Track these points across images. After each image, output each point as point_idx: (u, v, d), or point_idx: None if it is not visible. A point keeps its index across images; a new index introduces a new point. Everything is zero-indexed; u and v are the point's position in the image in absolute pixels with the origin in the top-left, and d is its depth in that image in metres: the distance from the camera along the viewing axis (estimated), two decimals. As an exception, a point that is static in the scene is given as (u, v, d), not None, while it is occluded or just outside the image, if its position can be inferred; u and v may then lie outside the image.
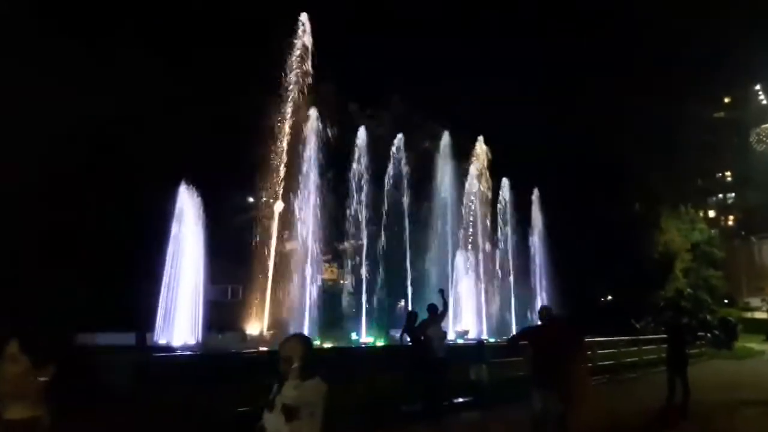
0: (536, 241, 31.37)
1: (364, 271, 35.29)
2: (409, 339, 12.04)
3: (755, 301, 62.71)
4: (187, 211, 18.82)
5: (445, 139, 29.09)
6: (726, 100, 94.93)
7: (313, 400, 3.96)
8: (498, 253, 28.10)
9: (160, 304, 17.64)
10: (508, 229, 29.96)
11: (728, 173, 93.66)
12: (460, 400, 12.38)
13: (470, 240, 26.64)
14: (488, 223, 27.71)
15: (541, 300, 28.26)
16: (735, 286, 57.52)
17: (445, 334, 12.43)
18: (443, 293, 12.05)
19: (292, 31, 22.67)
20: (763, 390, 16.58)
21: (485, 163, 28.15)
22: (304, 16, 22.47)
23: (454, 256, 25.70)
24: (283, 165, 21.66)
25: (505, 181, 29.92)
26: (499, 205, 29.48)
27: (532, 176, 32.77)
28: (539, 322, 8.85)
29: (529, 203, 31.34)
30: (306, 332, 20.86)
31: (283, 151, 21.82)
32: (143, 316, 18.04)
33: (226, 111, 27.09)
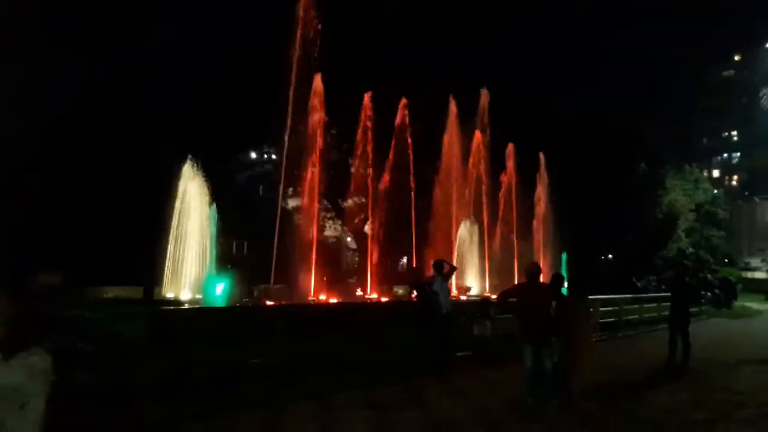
0: (540, 199, 31.39)
1: (367, 228, 35.51)
2: (415, 294, 12.18)
3: (756, 261, 63.07)
4: (193, 168, 18.84)
5: (451, 104, 28.83)
6: (736, 58, 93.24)
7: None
8: (501, 212, 28.13)
9: (167, 259, 17.82)
10: (513, 189, 29.93)
11: (734, 133, 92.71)
12: (465, 354, 12.60)
13: (474, 199, 26.63)
14: (491, 182, 27.64)
15: (542, 258, 28.47)
16: (736, 246, 57.77)
17: (449, 288, 12.59)
18: (441, 264, 12.12)
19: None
20: (761, 348, 16.84)
21: (487, 114, 27.84)
22: None
23: (458, 214, 25.74)
24: (288, 122, 21.48)
25: (510, 148, 29.71)
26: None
27: (539, 135, 32.54)
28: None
29: (536, 165, 31.18)
30: (311, 288, 21.15)
31: (288, 109, 21.62)
32: (150, 270, 18.24)
33: (234, 67, 26.78)
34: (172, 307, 14.10)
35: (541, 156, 30.45)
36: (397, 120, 28.75)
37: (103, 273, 17.96)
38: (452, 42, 36.64)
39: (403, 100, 27.80)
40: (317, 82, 22.51)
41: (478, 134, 27.46)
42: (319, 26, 22.45)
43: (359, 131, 28.60)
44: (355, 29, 29.62)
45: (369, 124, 27.64)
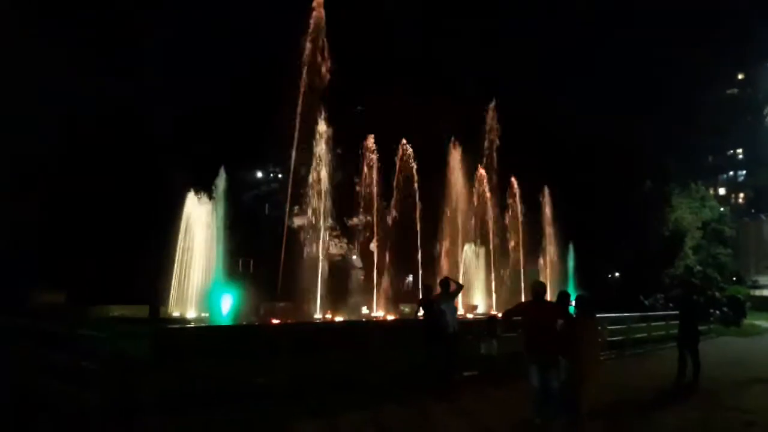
0: (547, 218, 31.33)
1: (374, 247, 35.49)
2: (422, 313, 12.15)
3: (764, 279, 62.54)
4: (200, 187, 18.96)
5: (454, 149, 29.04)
6: (740, 76, 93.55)
7: None
8: (508, 230, 28.10)
9: (173, 277, 17.85)
10: (518, 208, 29.90)
11: (740, 151, 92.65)
12: (472, 373, 12.51)
13: (481, 219, 26.65)
14: (497, 200, 27.67)
15: (548, 277, 28.34)
16: (744, 264, 57.37)
17: (456, 306, 12.56)
18: (447, 283, 12.11)
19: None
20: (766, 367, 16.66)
21: (497, 134, 27.89)
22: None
23: (464, 231, 25.73)
24: (295, 141, 21.62)
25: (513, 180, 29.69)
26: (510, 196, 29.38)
27: (543, 156, 32.60)
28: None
29: (541, 186, 31.16)
30: (317, 306, 21.12)
31: (295, 128, 21.77)
32: (156, 289, 18.27)
33: (240, 86, 27.03)
34: (177, 326, 14.10)
35: (545, 190, 30.27)
36: (399, 155, 28.92)
37: (108, 292, 18.00)
38: (453, 44, 36.78)
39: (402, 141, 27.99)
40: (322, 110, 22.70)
41: (481, 172, 27.46)
42: (326, 63, 22.59)
43: (363, 165, 28.82)
44: (359, 42, 29.83)
45: (372, 163, 27.84)
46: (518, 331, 9.33)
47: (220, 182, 19.71)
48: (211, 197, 19.43)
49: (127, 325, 13.17)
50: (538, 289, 8.86)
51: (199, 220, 19.01)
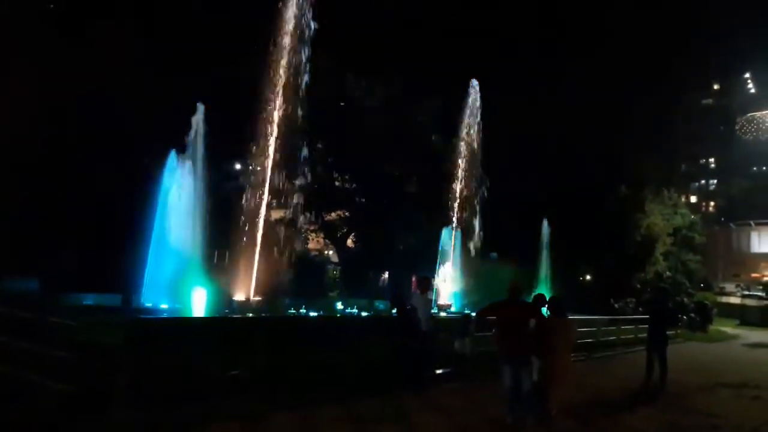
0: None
1: (350, 242, 35.51)
2: (395, 309, 12.21)
3: (730, 287, 64.11)
4: (175, 176, 18.67)
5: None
6: (715, 87, 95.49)
7: None
8: (483, 232, 28.20)
9: (147, 267, 17.60)
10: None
11: (712, 160, 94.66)
12: (445, 371, 12.60)
13: (457, 218, 26.72)
14: (476, 203, 27.73)
15: (520, 277, 28.43)
16: (712, 271, 58.70)
17: (430, 304, 12.65)
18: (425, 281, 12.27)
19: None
20: (735, 372, 17.09)
21: (476, 143, 27.93)
22: None
23: (440, 231, 25.79)
24: (273, 134, 21.45)
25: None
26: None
27: (521, 161, 32.90)
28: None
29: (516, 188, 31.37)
30: (292, 301, 21.06)
31: (273, 120, 21.59)
32: (130, 278, 18.01)
33: (219, 77, 26.71)
34: (150, 316, 13.93)
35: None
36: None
37: (81, 280, 17.71)
38: (438, 46, 36.82)
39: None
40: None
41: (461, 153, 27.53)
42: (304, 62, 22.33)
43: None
44: (343, 38, 29.71)
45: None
46: (492, 330, 9.40)
47: (198, 171, 19.47)
48: (189, 187, 19.16)
49: (100, 314, 12.98)
50: (513, 288, 8.96)
51: (175, 210, 18.75)
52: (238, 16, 28.35)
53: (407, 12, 36.73)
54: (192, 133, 19.46)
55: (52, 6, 26.26)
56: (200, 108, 20.01)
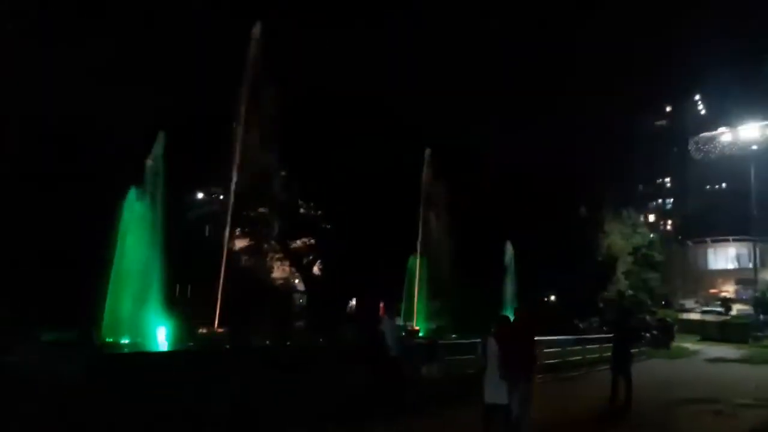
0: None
1: (316, 270, 35.23)
2: (362, 337, 12.17)
3: (689, 303, 65.69)
4: (135, 209, 18.29)
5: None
6: (668, 109, 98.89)
7: None
8: (449, 256, 28.35)
9: (107, 302, 17.11)
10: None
11: (668, 180, 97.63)
12: (415, 395, 12.51)
13: (422, 243, 26.83)
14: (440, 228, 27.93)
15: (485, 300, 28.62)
16: (672, 288, 60.10)
17: (397, 330, 12.63)
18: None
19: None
20: (698, 388, 17.37)
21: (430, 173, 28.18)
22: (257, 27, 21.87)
23: (407, 257, 25.83)
24: (236, 163, 21.28)
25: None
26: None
27: (480, 181, 33.27)
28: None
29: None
30: (258, 332, 20.69)
31: (236, 149, 21.45)
32: (89, 313, 17.48)
33: (182, 106, 26.44)
34: (112, 351, 13.54)
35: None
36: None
37: (38, 315, 17.11)
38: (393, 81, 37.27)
39: None
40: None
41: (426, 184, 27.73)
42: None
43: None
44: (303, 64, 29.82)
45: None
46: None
47: (158, 203, 19.10)
48: (149, 219, 18.78)
49: (58, 350, 12.55)
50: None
51: (135, 243, 18.31)
52: (201, 46, 28.25)
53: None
54: (151, 164, 19.13)
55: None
56: (161, 136, 19.73)
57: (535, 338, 9.35)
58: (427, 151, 27.01)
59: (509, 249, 27.45)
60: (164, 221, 19.35)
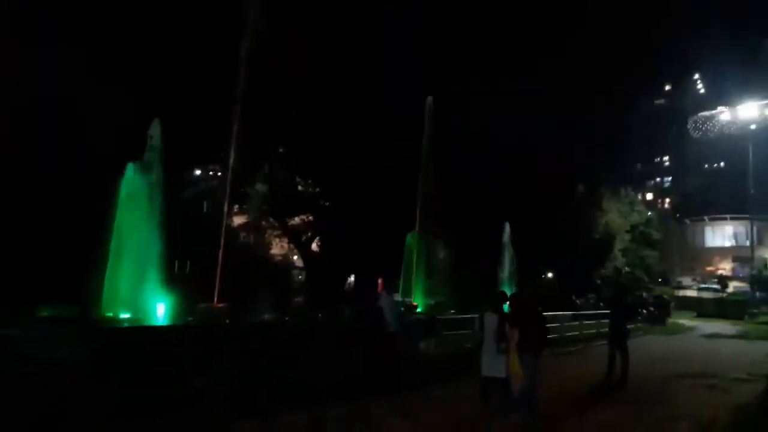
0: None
1: (314, 247, 35.29)
2: (360, 313, 12.22)
3: (687, 280, 66.00)
4: (133, 186, 18.21)
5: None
6: (667, 87, 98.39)
7: None
8: (446, 233, 28.35)
9: (105, 277, 17.13)
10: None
11: (666, 158, 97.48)
12: (414, 371, 12.60)
13: (420, 219, 26.81)
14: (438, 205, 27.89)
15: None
16: (669, 266, 60.40)
17: (396, 306, 12.67)
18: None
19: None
20: (693, 363, 17.55)
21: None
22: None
23: (405, 234, 25.83)
24: (234, 138, 21.14)
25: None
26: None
27: (479, 160, 33.16)
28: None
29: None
30: (257, 307, 20.77)
31: (234, 123, 21.30)
32: (88, 288, 17.51)
33: (180, 82, 26.25)
34: (113, 327, 13.59)
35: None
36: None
37: (37, 291, 17.13)
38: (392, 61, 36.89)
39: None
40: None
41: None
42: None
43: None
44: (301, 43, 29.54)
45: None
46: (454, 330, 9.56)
47: (156, 177, 19.01)
48: (147, 194, 18.71)
49: (57, 326, 12.58)
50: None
51: (134, 218, 18.27)
52: (199, 21, 27.96)
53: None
54: (150, 141, 19.00)
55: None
56: (156, 121, 19.58)
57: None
58: (429, 99, 26.71)
59: (507, 228, 27.43)
60: (162, 197, 19.33)
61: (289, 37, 27.81)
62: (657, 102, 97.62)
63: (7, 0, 23.61)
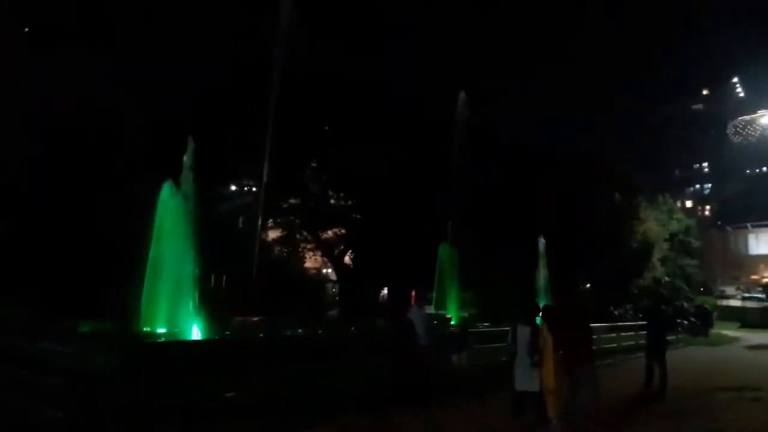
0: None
1: (347, 260, 35.44)
2: (391, 326, 12.22)
3: (730, 290, 64.10)
4: (170, 203, 18.63)
5: None
6: (705, 92, 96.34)
7: None
8: (479, 245, 28.15)
9: (143, 293, 17.53)
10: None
11: (705, 164, 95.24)
12: (444, 385, 12.54)
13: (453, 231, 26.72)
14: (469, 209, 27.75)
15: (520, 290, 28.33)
16: (711, 275, 58.76)
17: (428, 319, 12.63)
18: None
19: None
20: (736, 375, 17.04)
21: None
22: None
23: (437, 246, 25.75)
24: (267, 153, 21.45)
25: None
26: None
27: (517, 168, 32.90)
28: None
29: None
30: (291, 320, 20.95)
31: (267, 139, 21.62)
32: (126, 303, 17.94)
33: (212, 95, 26.73)
34: (146, 340, 13.88)
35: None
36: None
37: (75, 306, 17.62)
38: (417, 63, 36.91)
39: None
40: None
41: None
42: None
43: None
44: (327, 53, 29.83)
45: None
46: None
47: (192, 195, 19.42)
48: (183, 210, 19.12)
49: (94, 340, 12.93)
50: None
51: (170, 236, 18.67)
52: (223, 32, 28.47)
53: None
54: (186, 159, 19.44)
55: (26, 29, 26.39)
56: (190, 141, 19.99)
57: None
58: (462, 94, 26.64)
59: (542, 240, 27.12)
60: (198, 214, 19.72)
61: (318, 48, 28.12)
62: (695, 107, 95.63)
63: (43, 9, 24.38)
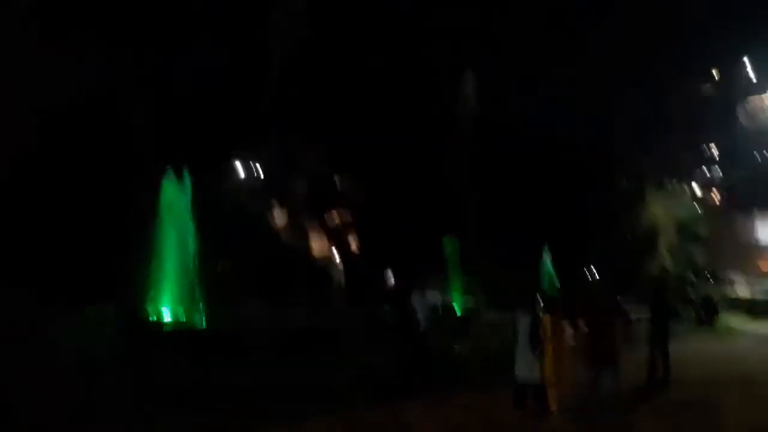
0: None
1: (354, 246, 35.47)
2: (394, 313, 12.24)
3: (739, 278, 63.50)
4: (174, 191, 18.61)
5: None
6: (713, 73, 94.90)
7: None
8: (484, 233, 28.09)
9: (148, 280, 17.60)
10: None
11: (714, 149, 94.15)
12: (445, 373, 12.56)
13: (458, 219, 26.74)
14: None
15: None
16: (719, 264, 58.24)
17: (430, 305, 12.65)
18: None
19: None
20: (743, 367, 16.87)
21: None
22: None
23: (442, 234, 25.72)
24: (271, 138, 21.45)
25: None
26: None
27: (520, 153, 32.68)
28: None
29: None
30: (296, 309, 21.04)
31: (271, 123, 21.61)
32: (130, 290, 18.02)
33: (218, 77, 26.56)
34: (151, 327, 13.98)
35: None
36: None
37: (79, 292, 17.74)
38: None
39: None
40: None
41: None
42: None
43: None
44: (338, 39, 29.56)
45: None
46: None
47: (197, 181, 19.40)
48: (189, 193, 19.10)
49: (98, 326, 13.02)
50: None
51: (176, 220, 18.69)
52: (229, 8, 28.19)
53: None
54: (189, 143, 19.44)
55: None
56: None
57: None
58: (468, 73, 26.42)
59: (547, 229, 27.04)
60: (203, 199, 19.74)
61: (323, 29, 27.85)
62: (703, 88, 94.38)
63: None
